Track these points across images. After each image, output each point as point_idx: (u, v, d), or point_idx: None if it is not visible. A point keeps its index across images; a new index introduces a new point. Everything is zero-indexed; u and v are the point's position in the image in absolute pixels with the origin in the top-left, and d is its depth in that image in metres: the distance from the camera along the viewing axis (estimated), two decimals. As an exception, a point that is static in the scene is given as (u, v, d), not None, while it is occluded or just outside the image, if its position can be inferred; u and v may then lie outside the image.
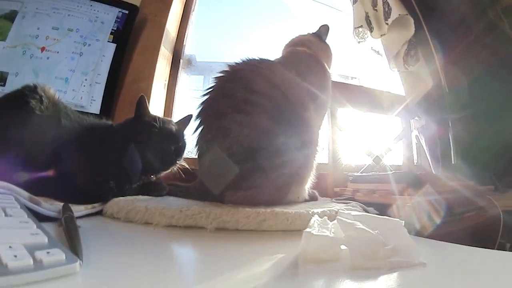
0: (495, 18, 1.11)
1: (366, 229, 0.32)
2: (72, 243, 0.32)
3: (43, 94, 0.64)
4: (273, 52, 1.30)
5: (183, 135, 0.75)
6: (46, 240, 0.28)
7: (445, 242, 0.43)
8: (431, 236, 0.55)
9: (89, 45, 1.06)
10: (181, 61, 1.29)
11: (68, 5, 1.06)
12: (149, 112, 0.71)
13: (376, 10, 1.24)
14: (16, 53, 1.01)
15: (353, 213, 0.38)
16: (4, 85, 0.97)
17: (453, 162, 1.12)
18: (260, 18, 1.64)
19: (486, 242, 0.85)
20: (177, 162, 0.72)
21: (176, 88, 1.25)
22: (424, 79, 1.18)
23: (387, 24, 1.18)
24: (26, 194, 0.45)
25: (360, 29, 1.24)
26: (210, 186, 0.63)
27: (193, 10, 1.35)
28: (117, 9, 1.10)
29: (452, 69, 1.15)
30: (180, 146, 0.72)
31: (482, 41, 1.11)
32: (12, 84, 0.94)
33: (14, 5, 1.03)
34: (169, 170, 0.73)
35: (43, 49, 1.03)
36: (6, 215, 0.33)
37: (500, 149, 1.04)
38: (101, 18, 1.08)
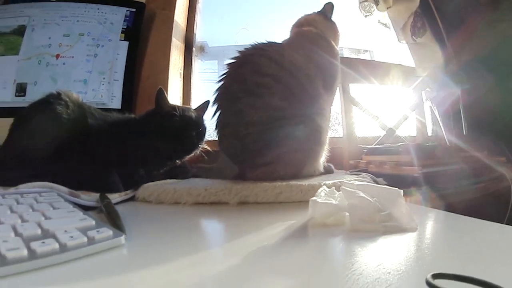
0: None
1: (366, 197, 0.37)
2: (115, 222, 0.37)
3: (67, 99, 0.70)
4: (284, 32, 1.35)
5: (202, 121, 0.80)
6: (93, 222, 0.34)
7: (447, 212, 0.47)
8: (439, 207, 0.58)
9: (102, 46, 1.10)
10: (194, 49, 1.32)
11: (75, 11, 1.11)
12: (168, 103, 0.77)
13: None
14: (32, 63, 1.06)
15: (356, 183, 0.43)
16: (24, 95, 1.03)
17: (464, 133, 1.14)
18: None
19: (495, 213, 0.89)
20: (199, 146, 0.77)
21: (192, 76, 1.29)
22: (432, 50, 1.19)
23: None
24: (66, 189, 0.51)
25: (366, 3, 1.25)
26: (231, 165, 0.70)
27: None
28: (124, 9, 1.13)
29: (459, 40, 1.15)
30: (200, 131, 0.77)
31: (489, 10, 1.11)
32: (33, 93, 1.01)
33: (21, 20, 1.08)
34: (192, 154, 0.77)
35: (57, 56, 1.07)
36: (54, 208, 0.39)
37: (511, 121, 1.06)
38: (110, 19, 1.12)
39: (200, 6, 1.38)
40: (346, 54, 1.43)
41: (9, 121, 0.88)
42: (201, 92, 1.35)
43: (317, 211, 0.38)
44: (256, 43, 0.77)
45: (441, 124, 1.18)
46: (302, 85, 0.69)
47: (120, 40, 1.11)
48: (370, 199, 0.37)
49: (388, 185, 0.57)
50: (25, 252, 0.25)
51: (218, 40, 1.46)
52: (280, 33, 1.43)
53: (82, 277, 0.24)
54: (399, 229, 0.35)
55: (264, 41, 0.77)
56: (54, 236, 0.28)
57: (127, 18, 1.13)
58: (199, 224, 0.48)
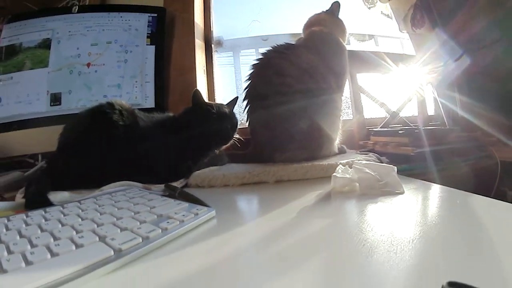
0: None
1: (370, 172, 0.56)
2: (199, 202, 0.50)
3: (120, 107, 0.78)
4: (293, 23, 1.49)
5: (234, 114, 0.92)
6: (187, 204, 0.47)
7: (434, 184, 0.63)
8: (430, 180, 0.72)
9: (131, 51, 1.18)
10: (212, 46, 1.45)
11: (100, 21, 1.18)
12: (204, 101, 0.89)
13: None
14: (63, 74, 1.12)
15: (363, 162, 0.62)
16: (60, 104, 1.10)
17: (459, 115, 1.26)
18: None
19: (483, 189, 1.03)
20: (234, 136, 0.90)
21: (213, 71, 1.43)
22: (430, 39, 1.29)
23: None
24: (140, 184, 0.65)
25: None
26: (263, 151, 0.88)
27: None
28: (146, 14, 1.21)
29: (454, 27, 1.27)
30: (234, 123, 0.90)
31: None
32: (68, 102, 1.10)
33: (44, 33, 1.14)
34: (228, 144, 0.90)
35: (88, 64, 1.14)
36: (148, 200, 0.50)
37: (504, 105, 1.18)
38: (134, 25, 1.20)
39: (212, 2, 1.49)
40: (352, 41, 1.56)
41: (46, 129, 1.04)
42: (220, 83, 1.48)
43: (337, 183, 0.57)
44: (276, 46, 0.93)
45: (440, 107, 1.34)
46: (317, 83, 0.86)
47: (146, 44, 1.19)
48: (372, 173, 0.56)
49: (390, 163, 0.76)
50: (159, 231, 0.37)
51: (232, 33, 1.57)
52: (289, 24, 1.60)
53: (199, 239, 0.38)
54: (392, 193, 0.54)
55: (283, 44, 0.94)
56: (170, 217, 0.41)
57: (150, 24, 1.21)
58: (252, 198, 0.66)
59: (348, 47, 1.04)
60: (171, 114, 0.94)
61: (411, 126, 1.19)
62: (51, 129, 1.02)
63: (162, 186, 0.64)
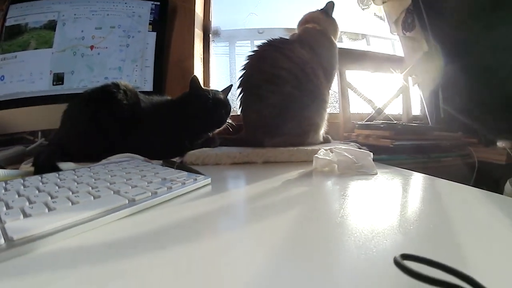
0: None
1: (347, 155, 0.64)
2: (196, 172, 0.56)
3: (125, 88, 0.86)
4: (288, 17, 1.55)
5: (228, 101, 0.99)
6: (186, 173, 0.54)
7: (397, 168, 0.72)
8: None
9: (133, 37, 1.22)
10: (210, 35, 1.51)
11: (105, 6, 1.22)
12: (201, 87, 0.95)
13: None
14: (67, 55, 1.16)
15: (343, 147, 0.70)
16: (62, 83, 1.15)
17: (441, 116, 1.34)
18: None
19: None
20: (227, 121, 0.96)
21: (210, 59, 1.49)
22: (419, 43, 1.38)
23: None
24: (141, 157, 0.72)
25: None
26: (254, 136, 0.95)
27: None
28: (150, 2, 1.26)
29: (440, 30, 1.34)
30: (227, 109, 0.96)
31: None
32: (70, 82, 1.15)
33: (50, 15, 1.17)
34: (222, 128, 0.97)
35: (92, 47, 1.19)
36: (152, 167, 0.58)
37: (486, 106, 1.24)
38: (137, 12, 1.24)
39: None
40: (345, 40, 1.64)
41: (47, 108, 1.09)
42: (216, 71, 1.55)
43: (318, 163, 0.65)
44: (272, 39, 1.01)
45: (425, 107, 1.42)
46: (308, 76, 0.94)
47: (148, 31, 1.24)
48: (350, 156, 0.64)
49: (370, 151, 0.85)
50: (165, 189, 0.44)
51: (229, 24, 1.62)
52: (284, 18, 1.67)
53: (197, 197, 0.46)
54: (366, 173, 0.62)
55: (278, 38, 1.02)
56: (173, 180, 0.49)
57: (153, 11, 1.25)
58: (242, 173, 0.74)
59: (339, 45, 1.12)
60: (169, 97, 1.00)
61: (394, 122, 1.28)
62: (52, 107, 1.08)
63: (160, 161, 0.71)
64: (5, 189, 0.42)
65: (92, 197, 0.38)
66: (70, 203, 0.36)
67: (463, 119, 1.26)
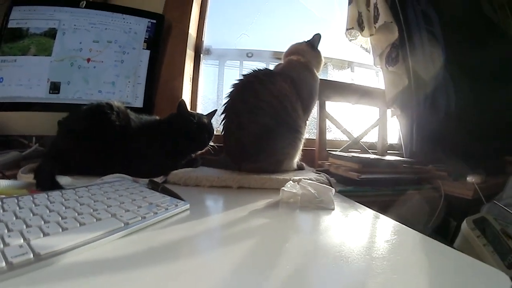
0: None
1: (310, 190, 0.77)
2: (178, 197, 0.68)
3: (118, 109, 0.97)
4: (278, 39, 1.68)
5: (211, 125, 1.12)
6: (169, 198, 0.65)
7: (362, 206, 0.83)
8: (371, 202, 0.92)
9: (128, 53, 1.34)
10: (201, 55, 1.63)
11: (103, 20, 1.33)
12: (188, 111, 1.08)
13: (369, 10, 1.55)
14: (64, 65, 1.26)
15: (309, 181, 0.83)
16: (58, 93, 1.25)
17: (413, 150, 1.49)
18: (268, 7, 1.90)
19: (423, 216, 1.23)
20: (209, 144, 1.10)
21: (199, 78, 1.61)
22: (400, 78, 1.51)
23: (375, 27, 1.51)
24: (130, 178, 0.83)
25: (352, 30, 1.55)
26: (232, 160, 1.08)
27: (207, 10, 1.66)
28: (147, 20, 1.38)
29: (417, 71, 1.49)
30: (210, 133, 1.10)
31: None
32: (66, 92, 1.25)
33: (51, 23, 1.27)
34: (204, 150, 1.10)
35: (88, 60, 1.29)
36: (140, 191, 0.68)
37: (456, 142, 1.39)
38: (134, 29, 1.36)
39: (208, 12, 1.68)
40: (330, 69, 1.79)
41: (43, 114, 1.20)
42: (203, 88, 1.68)
43: (284, 195, 0.78)
44: (257, 70, 1.14)
45: (401, 138, 1.56)
46: (286, 109, 1.06)
47: (143, 49, 1.37)
48: (312, 191, 0.77)
49: (339, 183, 0.99)
50: (151, 214, 0.55)
51: (220, 43, 1.75)
52: (275, 39, 1.81)
53: (177, 222, 0.58)
54: (325, 208, 0.75)
55: (262, 69, 1.15)
56: (158, 205, 0.60)
57: (149, 29, 1.38)
58: (218, 198, 0.87)
59: (323, 76, 1.25)
60: (157, 117, 1.12)
61: (368, 153, 1.42)
62: (47, 114, 1.20)
63: (146, 180, 0.84)
64: (19, 206, 0.52)
65: (95, 219, 0.50)
66: (78, 224, 0.47)
67: (434, 154, 1.40)
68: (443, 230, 1.29)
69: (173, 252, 0.46)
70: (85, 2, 1.32)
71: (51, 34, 1.27)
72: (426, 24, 1.56)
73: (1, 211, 0.50)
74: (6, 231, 0.42)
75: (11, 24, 1.25)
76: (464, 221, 1.07)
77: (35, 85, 1.24)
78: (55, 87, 1.25)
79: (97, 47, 1.32)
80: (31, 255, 0.37)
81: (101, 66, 1.32)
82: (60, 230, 0.45)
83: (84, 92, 1.28)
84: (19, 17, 1.26)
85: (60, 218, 0.49)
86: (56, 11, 1.29)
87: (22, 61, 1.24)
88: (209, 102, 1.73)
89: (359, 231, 0.64)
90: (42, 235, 0.42)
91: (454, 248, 0.54)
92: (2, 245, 0.38)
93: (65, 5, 1.30)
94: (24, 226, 0.44)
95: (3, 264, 0.35)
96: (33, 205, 0.53)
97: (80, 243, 0.42)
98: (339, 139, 1.63)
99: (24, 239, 0.41)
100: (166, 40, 1.49)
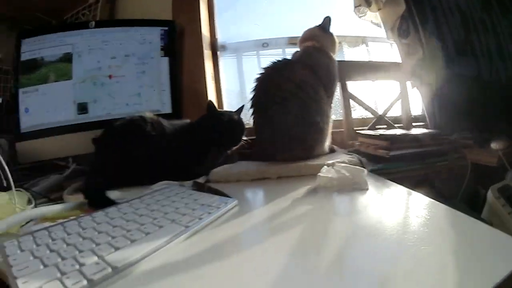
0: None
1: (345, 173, 0.82)
2: (223, 194, 0.74)
3: (151, 121, 1.02)
4: (290, 26, 1.70)
5: (242, 121, 1.15)
6: (218, 197, 0.70)
7: (390, 181, 0.87)
8: (402, 178, 0.98)
9: (147, 63, 1.36)
10: (218, 53, 1.66)
11: (116, 36, 1.35)
12: (217, 110, 1.12)
13: None
14: (87, 85, 1.29)
15: (342, 165, 0.87)
16: (87, 112, 1.28)
17: (437, 122, 1.49)
18: None
19: (454, 187, 1.27)
20: (242, 139, 1.13)
21: (220, 76, 1.64)
22: (415, 49, 1.50)
23: (381, 1, 1.52)
24: (176, 182, 0.88)
25: (360, 7, 1.56)
26: (266, 152, 1.13)
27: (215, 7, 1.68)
28: (158, 28, 1.40)
29: (430, 40, 1.48)
30: (242, 128, 1.13)
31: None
32: (94, 110, 1.29)
33: (64, 48, 1.29)
34: (238, 146, 1.13)
35: (110, 76, 1.31)
36: (190, 195, 0.74)
37: (479, 107, 1.39)
38: (148, 39, 1.38)
39: (216, 10, 1.69)
40: (345, 47, 1.80)
41: (75, 135, 1.24)
42: (226, 83, 1.70)
43: (321, 181, 0.83)
44: (275, 62, 1.18)
45: (424, 110, 1.57)
46: (309, 96, 1.10)
47: (161, 56, 1.38)
48: (347, 174, 0.81)
49: (370, 161, 1.03)
50: (206, 214, 0.60)
51: (234, 37, 1.77)
52: (286, 28, 1.83)
53: (229, 219, 0.64)
54: (360, 189, 0.80)
55: (281, 60, 1.19)
56: (209, 206, 0.65)
57: (163, 36, 1.40)
58: (259, 191, 0.93)
59: (340, 57, 1.27)
60: (188, 120, 1.17)
61: (394, 128, 1.45)
62: (79, 134, 1.25)
63: (191, 182, 0.90)
64: (82, 227, 0.56)
65: (157, 227, 0.55)
66: (144, 234, 0.52)
67: (458, 123, 1.41)
68: (473, 199, 1.31)
69: (232, 247, 0.53)
70: (93, 22, 1.35)
71: (67, 58, 1.29)
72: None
73: (66, 235, 0.53)
74: (77, 252, 0.46)
75: (24, 57, 1.28)
76: (489, 189, 1.09)
77: (62, 109, 1.27)
78: (82, 108, 1.29)
79: (116, 63, 1.34)
80: (110, 269, 0.41)
81: (123, 80, 1.34)
82: (129, 242, 0.49)
83: (112, 108, 1.31)
84: (30, 49, 1.29)
85: (125, 232, 0.53)
86: (66, 36, 1.31)
87: (45, 89, 1.27)
88: (233, 94, 1.76)
89: (392, 208, 0.69)
90: (113, 250, 0.47)
91: (481, 219, 0.58)
92: (78, 266, 0.42)
93: (74, 29, 1.34)
94: (94, 245, 0.48)
95: (85, 282, 0.38)
96: (95, 224, 0.58)
97: (150, 250, 0.47)
98: (365, 117, 1.65)
99: (98, 256, 0.45)
100: (182, 44, 1.52)
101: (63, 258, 0.44)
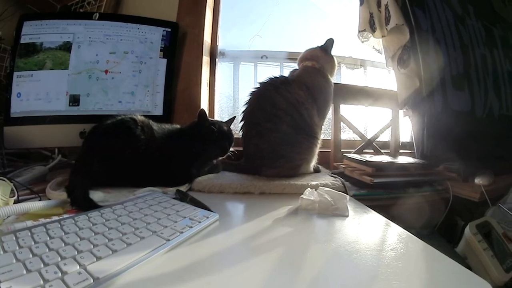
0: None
1: (327, 198, 0.84)
2: (207, 208, 0.75)
3: (142, 124, 1.01)
4: (290, 40, 1.74)
5: (231, 132, 1.15)
6: (200, 210, 0.72)
7: (373, 212, 0.89)
8: (384, 206, 1.00)
9: (145, 63, 1.37)
10: (217, 60, 1.67)
11: (118, 31, 1.34)
12: (208, 119, 1.11)
13: (380, 11, 1.57)
14: (82, 78, 1.28)
15: (325, 189, 0.89)
16: (78, 105, 1.27)
17: (424, 152, 1.51)
18: (280, 8, 1.93)
19: (433, 217, 1.28)
20: (230, 150, 1.13)
21: (215, 83, 1.65)
22: (412, 80, 1.53)
23: (386, 29, 1.54)
24: (159, 189, 0.89)
25: (364, 32, 1.59)
26: (252, 165, 1.16)
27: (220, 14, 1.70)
28: (161, 28, 1.40)
29: (427, 73, 1.53)
30: (230, 140, 1.13)
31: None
32: (86, 104, 1.28)
33: (65, 36, 1.28)
34: (225, 156, 1.14)
35: (106, 71, 1.31)
36: (172, 204, 0.75)
37: (468, 141, 1.44)
38: (149, 38, 1.38)
39: (220, 15, 1.71)
40: (343, 69, 1.85)
41: (65, 126, 1.23)
42: (219, 91, 1.72)
43: (303, 202, 0.85)
44: (273, 78, 1.21)
45: (413, 137, 1.60)
46: (302, 116, 1.13)
47: (159, 58, 1.39)
48: (329, 199, 0.84)
49: (354, 186, 1.06)
50: (187, 228, 0.62)
51: (234, 45, 1.81)
52: (288, 40, 1.86)
53: (210, 234, 0.65)
54: (340, 215, 0.82)
55: (278, 77, 1.21)
56: (192, 219, 0.67)
57: (164, 38, 1.40)
58: (241, 205, 0.94)
59: (337, 78, 1.30)
60: (179, 126, 1.17)
61: (381, 154, 1.48)
62: (67, 126, 1.25)
63: (174, 190, 0.91)
64: (64, 231, 0.56)
65: (139, 238, 0.57)
66: (125, 245, 0.53)
67: (445, 154, 1.44)
68: (451, 230, 1.35)
69: (212, 264, 0.54)
70: (98, 14, 1.35)
71: (66, 47, 1.29)
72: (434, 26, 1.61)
73: (48, 238, 0.54)
74: (59, 259, 0.47)
75: (24, 40, 1.27)
76: (468, 225, 1.13)
77: (54, 98, 1.27)
78: (74, 100, 1.28)
79: (114, 58, 1.34)
80: (91, 280, 0.42)
81: (119, 77, 1.34)
82: (110, 252, 0.50)
83: (104, 103, 1.31)
84: (31, 32, 1.27)
85: (107, 240, 0.54)
86: (69, 24, 1.30)
87: (39, 76, 1.26)
88: (225, 98, 1.78)
89: (369, 238, 0.71)
90: (95, 259, 0.48)
91: (455, 253, 0.61)
92: (60, 274, 0.43)
93: (78, 18, 1.33)
94: (76, 252, 0.49)
95: (67, 292, 0.40)
96: (77, 229, 0.58)
97: (131, 263, 0.49)
98: (353, 139, 1.69)
99: (80, 265, 0.46)
100: (182, 47, 1.55)
101: (45, 264, 0.45)
